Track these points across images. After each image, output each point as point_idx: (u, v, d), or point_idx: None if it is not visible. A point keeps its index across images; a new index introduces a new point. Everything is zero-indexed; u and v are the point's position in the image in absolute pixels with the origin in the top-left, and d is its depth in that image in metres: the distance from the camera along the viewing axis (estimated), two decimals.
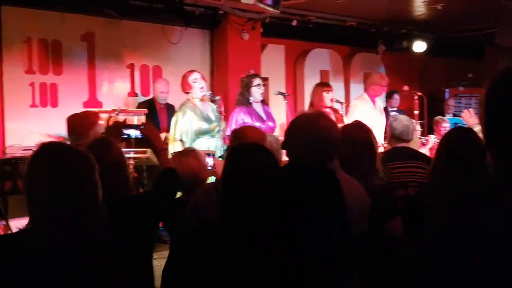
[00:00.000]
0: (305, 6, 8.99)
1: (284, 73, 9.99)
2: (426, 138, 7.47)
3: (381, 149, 5.68)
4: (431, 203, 2.89)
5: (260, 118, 6.42)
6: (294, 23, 9.25)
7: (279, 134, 6.21)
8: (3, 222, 5.93)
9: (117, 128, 3.62)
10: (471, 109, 4.98)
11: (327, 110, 6.95)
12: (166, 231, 4.22)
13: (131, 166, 5.31)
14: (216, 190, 2.87)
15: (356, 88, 10.56)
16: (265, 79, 7.12)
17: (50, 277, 2.06)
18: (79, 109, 7.46)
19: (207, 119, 6.29)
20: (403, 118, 4.84)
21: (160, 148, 3.39)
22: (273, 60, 9.70)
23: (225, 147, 6.13)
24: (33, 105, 7.61)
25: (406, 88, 8.47)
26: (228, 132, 6.10)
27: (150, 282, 2.82)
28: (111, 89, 8.33)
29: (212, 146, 6.22)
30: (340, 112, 7.30)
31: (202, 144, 6.15)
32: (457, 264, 1.39)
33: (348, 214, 2.58)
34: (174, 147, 6.00)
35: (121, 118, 5.65)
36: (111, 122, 3.79)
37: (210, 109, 6.43)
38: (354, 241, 2.59)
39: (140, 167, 6.27)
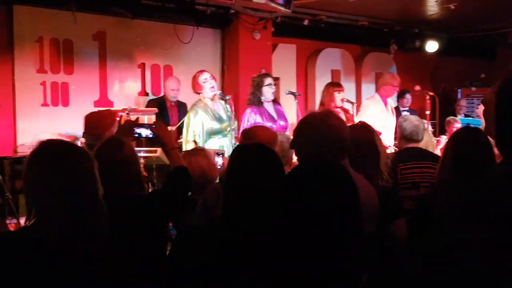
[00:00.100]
0: (316, 6, 8.96)
1: (295, 72, 9.95)
2: (438, 138, 7.41)
3: (390, 150, 5.67)
4: (438, 203, 2.86)
5: (271, 118, 6.40)
6: (306, 22, 9.22)
7: (290, 133, 6.19)
8: (14, 221, 5.96)
9: (129, 127, 3.62)
10: None
11: (338, 110, 6.92)
12: (176, 230, 4.21)
13: (142, 165, 5.31)
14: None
15: (368, 88, 10.51)
16: (276, 79, 7.09)
17: (51, 274, 2.06)
18: (90, 108, 7.49)
19: (219, 119, 6.28)
20: (413, 118, 4.81)
21: (171, 146, 3.39)
22: (284, 59, 9.67)
23: None
24: (45, 104, 7.65)
25: (417, 88, 8.41)
26: None
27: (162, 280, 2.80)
28: (122, 88, 8.35)
29: (225, 146, 6.22)
30: (351, 112, 7.26)
31: (214, 144, 6.15)
32: (460, 264, 1.37)
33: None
34: (187, 148, 5.99)
35: (133, 117, 5.66)
36: (122, 122, 3.79)
37: (222, 109, 6.42)
38: (364, 241, 2.57)
39: (150, 166, 6.27)
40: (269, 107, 6.51)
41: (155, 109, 6.92)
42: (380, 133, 6.38)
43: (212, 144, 6.09)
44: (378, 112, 7.29)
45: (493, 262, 1.33)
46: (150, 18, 8.32)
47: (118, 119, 5.57)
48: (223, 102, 6.38)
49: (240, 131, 6.03)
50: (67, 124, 7.60)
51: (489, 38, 10.64)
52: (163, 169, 6.04)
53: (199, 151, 4.17)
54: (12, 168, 6.47)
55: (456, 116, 9.35)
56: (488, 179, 1.55)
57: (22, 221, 5.78)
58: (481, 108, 4.85)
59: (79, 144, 6.89)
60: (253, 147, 2.54)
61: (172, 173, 3.23)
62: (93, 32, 7.98)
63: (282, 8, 7.71)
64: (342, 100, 7.01)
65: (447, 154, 3.24)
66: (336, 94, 6.93)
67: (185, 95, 7.62)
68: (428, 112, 8.07)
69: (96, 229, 2.17)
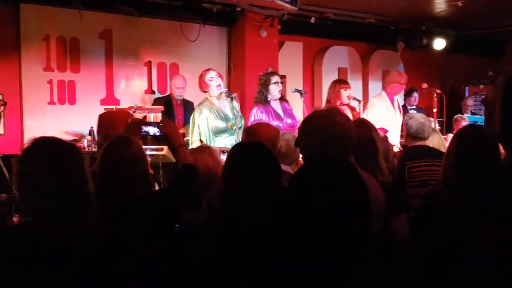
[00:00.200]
0: (323, 3, 8.94)
1: (301, 70, 9.93)
2: (445, 136, 7.38)
3: (396, 148, 5.65)
4: (443, 200, 2.84)
5: (278, 116, 6.38)
6: (312, 20, 9.18)
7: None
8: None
9: (136, 125, 3.61)
10: None
11: (344, 107, 6.89)
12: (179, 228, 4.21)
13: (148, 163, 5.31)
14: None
15: (375, 86, 10.48)
16: (282, 77, 7.07)
17: (43, 272, 2.06)
18: (96, 106, 7.53)
19: (224, 118, 6.27)
20: (419, 116, 4.79)
21: (178, 144, 3.38)
22: (290, 57, 9.65)
23: None
24: (51, 102, 7.68)
25: (424, 85, 8.37)
26: None
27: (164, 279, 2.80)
28: (129, 86, 8.36)
29: (231, 144, 6.20)
30: (357, 110, 7.24)
31: (221, 142, 6.14)
32: (464, 262, 1.36)
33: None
34: (193, 147, 5.99)
35: (139, 115, 5.66)
36: (130, 120, 3.79)
37: (228, 107, 6.40)
38: (371, 240, 2.55)
39: (156, 164, 6.27)
40: (276, 105, 6.49)
41: (161, 107, 6.92)
42: (387, 131, 6.37)
43: (219, 143, 6.09)
44: (384, 110, 7.27)
45: (497, 260, 1.31)
46: (156, 16, 8.32)
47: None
48: (229, 100, 6.37)
49: None
50: (74, 122, 7.64)
51: (496, 35, 10.59)
52: (169, 167, 6.04)
53: (204, 149, 4.16)
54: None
55: (463, 114, 9.30)
56: (492, 176, 1.54)
57: None
58: None
59: (85, 142, 6.94)
60: (253, 145, 2.54)
61: (180, 171, 3.23)
62: (100, 30, 8.00)
63: (288, 6, 7.68)
64: (349, 97, 6.99)
65: (451, 151, 3.22)
66: (342, 91, 6.91)
67: (191, 93, 7.62)
68: (435, 110, 8.03)
69: (86, 225, 2.17)
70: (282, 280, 2.11)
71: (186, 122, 6.63)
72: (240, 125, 6.38)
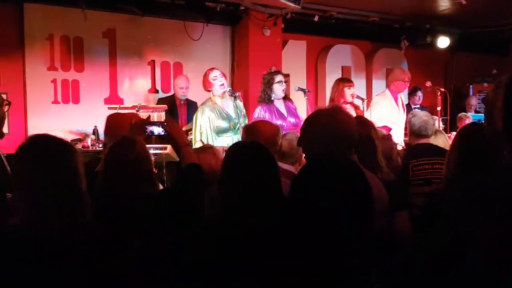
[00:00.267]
0: (326, 2, 8.92)
1: (305, 69, 9.93)
2: (449, 135, 7.37)
3: (399, 146, 5.65)
4: (446, 199, 2.83)
5: (281, 115, 6.38)
6: (316, 18, 9.17)
7: None
8: None
9: (140, 125, 3.62)
10: None
11: (348, 105, 6.89)
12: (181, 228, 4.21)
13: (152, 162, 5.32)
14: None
15: (378, 84, 10.45)
16: (286, 76, 7.08)
17: (36, 270, 2.07)
18: (100, 105, 7.55)
19: (227, 118, 6.26)
20: (422, 114, 4.79)
21: (183, 144, 3.39)
22: (294, 56, 9.64)
23: None
24: (55, 102, 7.70)
25: (428, 84, 8.36)
26: None
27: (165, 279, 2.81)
28: (132, 85, 8.37)
29: None
30: (361, 108, 7.23)
31: (224, 142, 6.14)
32: (465, 261, 1.36)
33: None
34: (195, 147, 5.99)
35: (143, 114, 5.66)
36: (134, 119, 3.80)
37: (232, 106, 6.39)
38: (373, 239, 2.55)
39: (160, 163, 6.27)
40: (279, 104, 6.49)
41: (165, 106, 6.93)
42: (390, 129, 6.37)
43: (221, 142, 6.09)
44: (388, 108, 7.26)
45: (497, 259, 1.31)
46: (160, 15, 8.33)
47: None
48: (233, 99, 6.37)
49: None
50: (78, 121, 7.66)
51: (501, 33, 10.56)
52: (173, 166, 6.05)
53: (207, 149, 4.17)
54: None
55: (467, 113, 9.28)
56: (494, 174, 1.54)
57: None
58: None
59: (89, 141, 6.95)
60: (249, 145, 2.55)
61: (184, 170, 3.24)
62: (103, 30, 8.01)
63: (292, 4, 7.68)
64: (352, 95, 6.98)
65: (454, 149, 3.22)
66: (346, 89, 6.91)
67: (195, 93, 7.63)
68: (439, 108, 8.03)
69: (78, 224, 2.18)
70: (283, 280, 2.11)
71: (189, 122, 6.64)
72: (243, 124, 6.38)
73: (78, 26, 7.61)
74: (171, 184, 5.16)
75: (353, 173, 2.18)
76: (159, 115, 6.55)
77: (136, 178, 2.98)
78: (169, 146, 5.19)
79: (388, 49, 10.86)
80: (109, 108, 6.60)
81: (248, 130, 3.91)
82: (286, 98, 6.63)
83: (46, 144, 2.25)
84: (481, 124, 3.44)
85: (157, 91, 8.54)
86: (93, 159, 3.80)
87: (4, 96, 2.75)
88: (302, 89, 6.78)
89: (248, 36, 8.73)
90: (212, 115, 6.22)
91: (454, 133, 7.34)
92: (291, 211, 2.13)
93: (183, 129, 6.65)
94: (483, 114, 6.50)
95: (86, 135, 7.47)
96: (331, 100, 7.03)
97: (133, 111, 6.18)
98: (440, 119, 7.82)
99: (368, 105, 7.35)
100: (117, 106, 6.62)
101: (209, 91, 6.39)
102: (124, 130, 3.94)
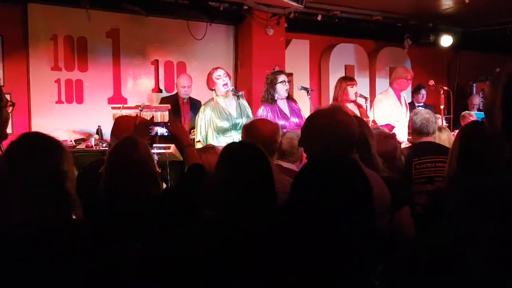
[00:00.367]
0: (330, 1, 8.92)
1: (308, 68, 9.93)
2: (452, 133, 7.36)
3: (403, 145, 5.65)
4: (448, 197, 2.84)
5: (283, 115, 6.39)
6: (319, 18, 9.17)
7: None
8: None
9: (144, 126, 3.63)
10: None
11: (351, 104, 6.90)
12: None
13: (155, 162, 5.33)
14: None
15: (382, 83, 10.44)
16: (289, 75, 7.08)
17: (19, 262, 2.08)
18: (104, 105, 7.56)
19: (228, 117, 6.25)
20: (424, 112, 4.78)
21: (187, 144, 3.40)
22: (297, 55, 9.65)
23: None
24: (59, 102, 7.72)
25: (431, 82, 8.36)
26: None
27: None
28: (136, 85, 8.39)
29: None
30: (364, 107, 7.23)
31: (226, 141, 6.13)
32: (464, 260, 1.36)
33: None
34: (196, 147, 6.00)
35: (147, 114, 5.67)
36: (138, 120, 3.80)
37: (234, 106, 6.39)
38: (375, 238, 2.55)
39: (163, 163, 6.29)
40: (282, 104, 6.49)
41: (168, 105, 6.94)
42: (393, 127, 6.38)
43: (224, 142, 6.09)
44: (391, 106, 7.27)
45: (497, 258, 1.32)
46: (163, 15, 8.35)
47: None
48: (236, 98, 6.37)
49: None
50: (81, 121, 7.68)
51: (504, 32, 10.54)
52: (177, 166, 6.07)
53: (209, 149, 4.17)
54: None
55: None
56: (494, 173, 1.54)
57: None
58: None
59: (92, 140, 6.97)
60: (242, 145, 2.57)
61: (187, 171, 3.25)
62: (107, 30, 8.03)
63: (294, 4, 7.68)
64: (356, 94, 6.99)
65: (455, 148, 3.23)
66: (349, 88, 6.91)
67: (198, 92, 7.63)
68: (442, 107, 8.02)
69: (63, 223, 2.18)
70: (283, 280, 2.12)
71: (192, 120, 6.65)
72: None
73: (82, 26, 7.64)
74: (174, 183, 5.17)
75: (354, 173, 2.18)
76: (162, 115, 6.56)
77: (139, 179, 2.99)
78: (172, 146, 5.21)
79: (392, 48, 10.86)
80: (112, 108, 6.62)
81: (247, 129, 3.91)
82: (290, 98, 6.63)
83: (30, 142, 2.26)
84: (482, 123, 3.44)
85: (160, 91, 8.56)
86: (97, 160, 3.81)
87: (8, 97, 2.75)
88: (305, 88, 6.78)
89: (252, 35, 8.74)
90: (212, 114, 6.23)
91: (457, 131, 7.35)
92: (292, 211, 2.13)
93: (186, 126, 6.66)
94: None
95: (89, 135, 7.49)
96: (335, 99, 7.03)
97: (137, 111, 6.19)
98: (443, 118, 7.81)
99: (371, 104, 7.35)
100: (121, 106, 6.63)
101: (212, 89, 6.39)
102: (129, 132, 3.96)
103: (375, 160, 3.37)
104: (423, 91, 9.62)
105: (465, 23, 10.50)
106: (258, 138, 3.55)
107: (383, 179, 2.97)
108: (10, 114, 2.83)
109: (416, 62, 10.70)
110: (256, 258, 2.22)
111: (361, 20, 9.90)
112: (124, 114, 4.80)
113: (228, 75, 6.49)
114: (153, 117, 6.08)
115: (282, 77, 6.47)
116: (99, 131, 7.35)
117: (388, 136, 4.22)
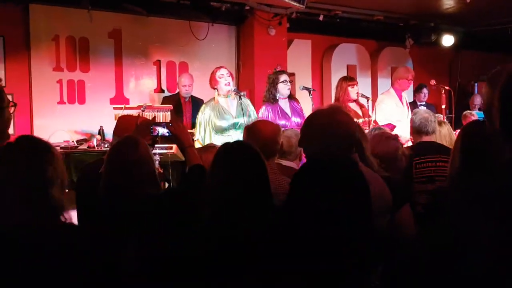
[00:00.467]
0: (331, 1, 8.92)
1: (310, 68, 9.94)
2: (454, 132, 7.36)
3: (406, 145, 5.64)
4: (449, 196, 2.84)
5: (284, 115, 6.39)
6: (321, 18, 9.17)
7: None
8: None
9: (146, 126, 3.63)
10: None
11: (353, 104, 6.90)
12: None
13: (157, 162, 5.34)
14: None
15: (384, 83, 10.45)
16: (291, 75, 7.09)
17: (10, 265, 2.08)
18: (106, 105, 7.57)
19: (227, 117, 6.25)
20: (423, 111, 4.78)
21: (188, 145, 3.40)
22: (299, 55, 9.66)
23: None
24: (61, 102, 7.73)
25: (433, 82, 8.35)
26: None
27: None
28: (138, 85, 8.40)
29: None
30: (366, 107, 7.23)
31: (225, 141, 6.13)
32: (465, 259, 1.37)
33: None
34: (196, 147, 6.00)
35: (148, 114, 5.67)
36: (139, 121, 3.79)
37: (236, 106, 6.39)
38: (375, 237, 2.56)
39: (165, 163, 6.30)
40: (284, 104, 6.49)
41: (170, 106, 6.95)
42: (395, 127, 6.38)
43: (224, 141, 6.08)
44: (393, 106, 7.28)
45: (497, 258, 1.32)
46: (165, 15, 8.37)
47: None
48: (238, 98, 6.37)
49: None
50: (83, 121, 7.69)
51: (505, 31, 10.53)
52: (178, 166, 6.07)
53: (209, 148, 4.17)
54: None
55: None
56: (495, 173, 1.54)
57: None
58: None
59: (94, 141, 6.98)
60: (241, 145, 2.57)
61: (188, 172, 3.25)
62: (109, 30, 8.05)
63: (297, 4, 7.68)
64: (357, 94, 6.98)
65: (456, 148, 3.23)
66: (349, 88, 6.90)
67: (200, 92, 7.65)
68: (444, 107, 8.01)
69: (52, 225, 2.19)
70: (282, 280, 2.12)
71: (194, 119, 6.66)
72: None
73: (84, 27, 7.65)
74: (176, 183, 5.17)
75: (353, 173, 2.19)
76: (164, 115, 6.57)
77: (139, 179, 2.99)
78: (174, 146, 5.21)
79: (393, 48, 10.86)
80: (114, 108, 6.63)
81: (249, 130, 3.91)
82: (292, 98, 6.63)
83: (19, 145, 2.27)
84: (483, 122, 3.44)
85: (162, 91, 8.57)
86: (97, 160, 3.81)
87: (10, 97, 2.76)
88: (307, 88, 6.78)
89: (253, 35, 8.74)
90: (211, 114, 6.23)
91: (459, 130, 7.34)
92: (291, 210, 2.14)
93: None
94: None
95: (91, 135, 7.49)
96: (337, 99, 7.02)
97: (139, 111, 6.20)
98: (445, 117, 7.80)
99: (373, 104, 7.35)
100: (123, 106, 6.64)
101: (215, 88, 6.39)
102: (131, 131, 3.97)
103: (370, 162, 3.37)
104: (425, 90, 9.61)
105: (466, 23, 10.49)
106: (259, 139, 3.56)
107: (384, 178, 2.98)
108: (12, 114, 2.84)
109: (417, 62, 10.70)
110: (256, 258, 2.22)
111: (363, 20, 9.90)
112: (127, 114, 4.79)
113: (231, 74, 6.49)
114: (155, 117, 6.08)
115: (283, 77, 6.47)
116: (101, 132, 7.35)
117: (389, 137, 4.21)
